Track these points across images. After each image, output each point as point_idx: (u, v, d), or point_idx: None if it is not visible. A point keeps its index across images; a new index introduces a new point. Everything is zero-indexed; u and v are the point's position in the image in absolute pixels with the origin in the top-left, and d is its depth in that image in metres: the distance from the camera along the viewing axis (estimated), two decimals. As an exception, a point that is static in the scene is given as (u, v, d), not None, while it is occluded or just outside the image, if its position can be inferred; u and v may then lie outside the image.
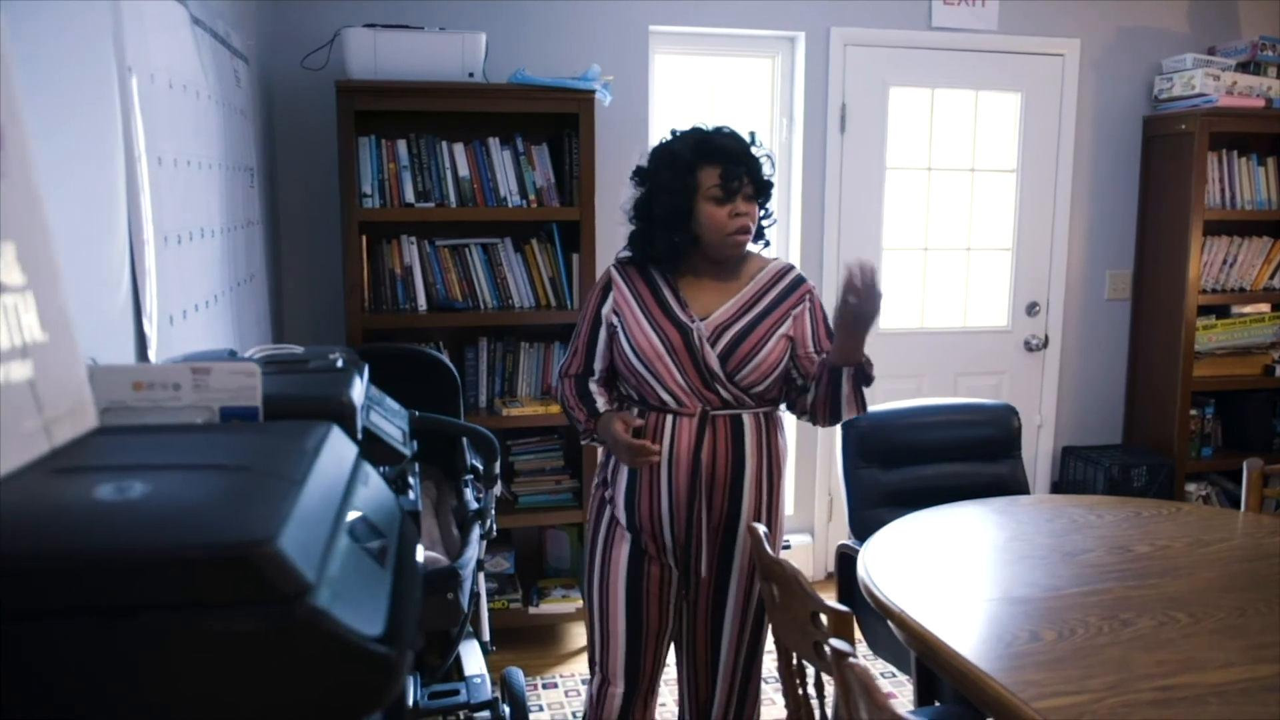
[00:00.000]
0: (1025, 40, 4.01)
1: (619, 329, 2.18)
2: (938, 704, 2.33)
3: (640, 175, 2.20)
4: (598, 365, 2.24)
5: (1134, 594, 1.90)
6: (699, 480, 2.14)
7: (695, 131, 2.16)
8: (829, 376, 2.14)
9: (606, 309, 2.21)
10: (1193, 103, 3.95)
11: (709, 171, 2.09)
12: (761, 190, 2.15)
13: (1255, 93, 3.94)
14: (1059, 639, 1.71)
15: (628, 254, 2.24)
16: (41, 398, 0.90)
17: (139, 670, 0.69)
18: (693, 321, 2.13)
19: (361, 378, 1.38)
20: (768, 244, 2.28)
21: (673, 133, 2.19)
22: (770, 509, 2.23)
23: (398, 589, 0.93)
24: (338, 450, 1.04)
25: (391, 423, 1.41)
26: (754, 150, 2.14)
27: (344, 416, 1.18)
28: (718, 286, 2.19)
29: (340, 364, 1.38)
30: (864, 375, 2.16)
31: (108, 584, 0.70)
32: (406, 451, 1.33)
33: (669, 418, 2.15)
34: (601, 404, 2.25)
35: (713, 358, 2.11)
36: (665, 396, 2.14)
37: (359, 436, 1.22)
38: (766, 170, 2.15)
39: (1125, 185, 4.22)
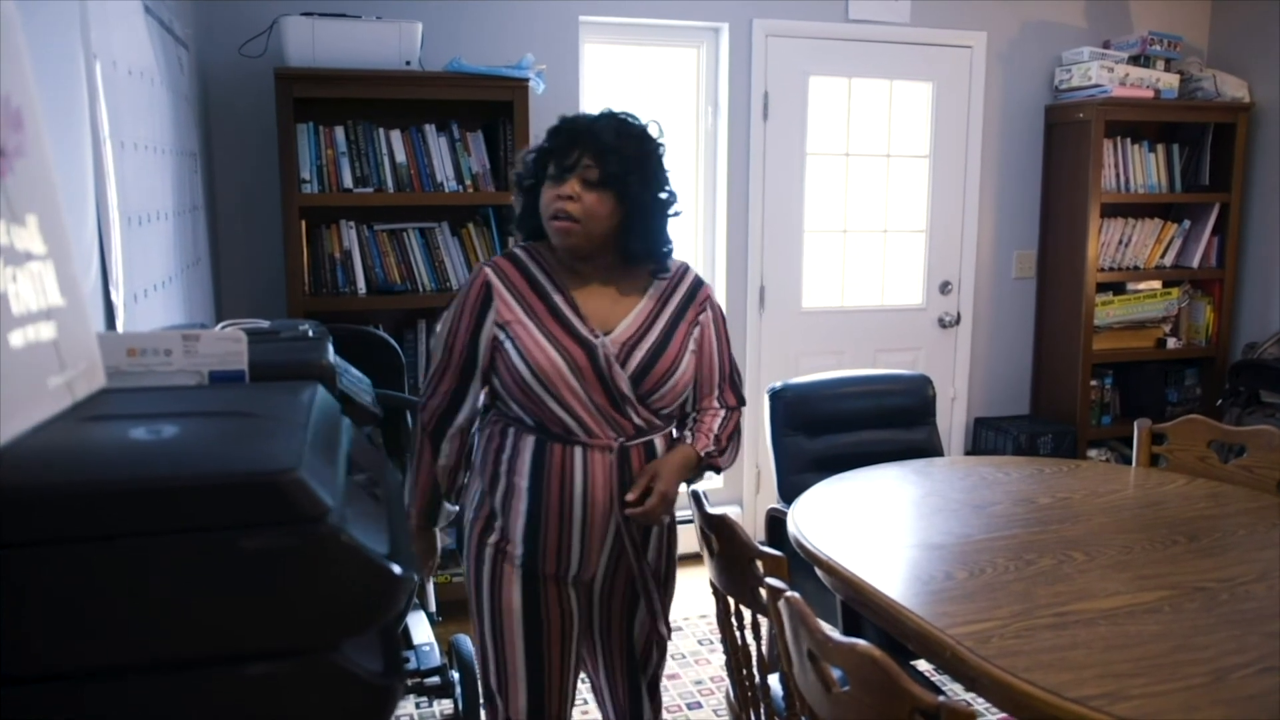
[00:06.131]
0: (936, 33, 4.23)
1: (506, 343, 1.89)
2: (862, 650, 2.50)
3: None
4: (467, 404, 1.97)
5: (1036, 538, 2.09)
6: (618, 522, 1.94)
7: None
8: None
9: (490, 321, 1.91)
10: (1089, 93, 4.21)
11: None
12: (614, 179, 1.84)
13: (1145, 84, 4.22)
14: (970, 577, 1.89)
15: (509, 250, 2.01)
16: (64, 356, 0.99)
17: (186, 585, 0.78)
18: (596, 337, 1.89)
19: (331, 346, 1.48)
20: (666, 254, 1.99)
21: None
22: (669, 535, 2.11)
23: (392, 520, 1.04)
24: (326, 404, 1.15)
25: (360, 387, 1.51)
26: (623, 135, 1.87)
27: (325, 378, 1.28)
28: (612, 293, 1.95)
29: (311, 334, 1.48)
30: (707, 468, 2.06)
31: (154, 510, 0.78)
32: (378, 411, 1.44)
33: (578, 451, 1.89)
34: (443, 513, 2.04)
35: (623, 380, 1.89)
36: (570, 423, 1.89)
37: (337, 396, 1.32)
38: (634, 162, 1.86)
39: (1029, 170, 4.48)
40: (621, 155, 1.83)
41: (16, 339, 0.88)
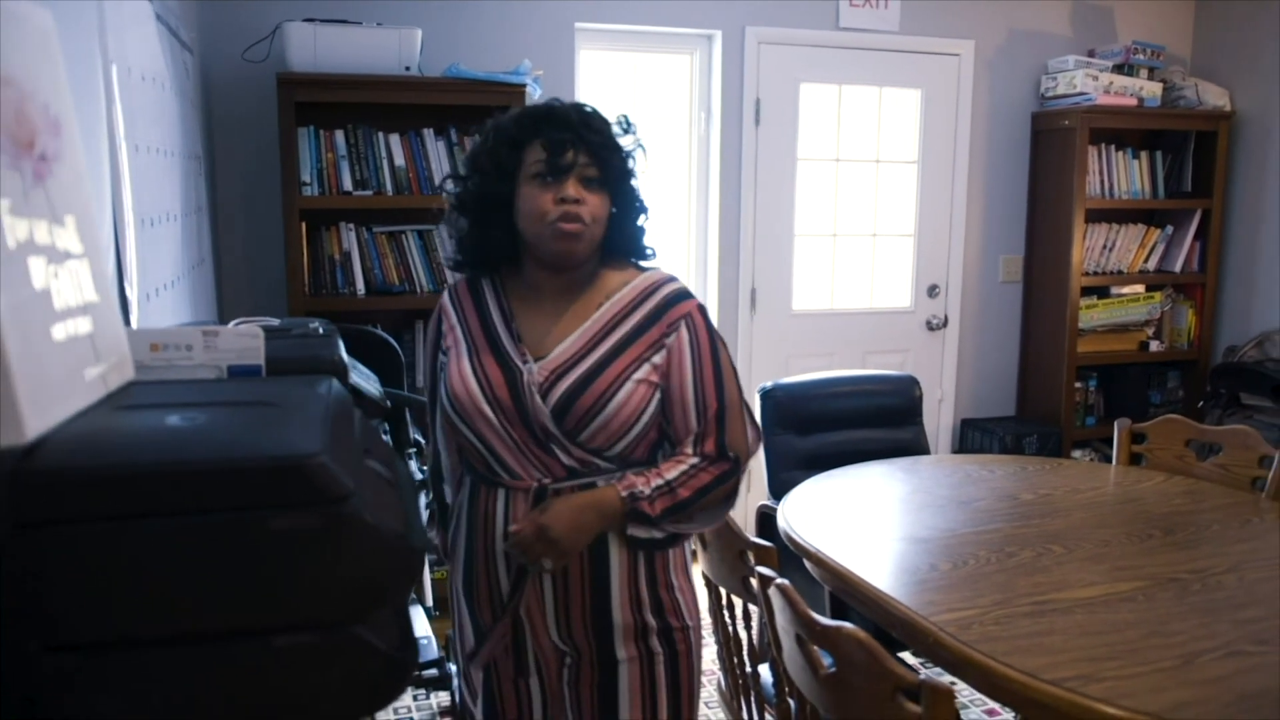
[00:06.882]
0: (924, 40, 4.31)
1: (442, 372, 1.68)
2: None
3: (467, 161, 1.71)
4: (443, 441, 1.75)
5: (1018, 532, 2.17)
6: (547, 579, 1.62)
7: (531, 106, 1.68)
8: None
9: (440, 348, 1.72)
10: (1074, 100, 4.29)
11: (535, 147, 1.58)
12: (615, 177, 1.61)
13: (1129, 92, 4.31)
14: (954, 569, 1.96)
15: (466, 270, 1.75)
16: (98, 349, 1.05)
17: (218, 562, 0.83)
18: (524, 362, 1.61)
19: (341, 343, 1.54)
20: (638, 260, 1.72)
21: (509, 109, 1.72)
22: (660, 608, 1.67)
23: (404, 502, 1.10)
24: (341, 396, 1.21)
25: (369, 382, 1.58)
26: (615, 133, 1.64)
27: (337, 372, 1.34)
28: (563, 311, 1.65)
29: (321, 331, 1.54)
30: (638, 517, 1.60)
31: (188, 491, 0.83)
32: (387, 404, 1.50)
33: (500, 494, 1.62)
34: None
35: (544, 413, 1.57)
36: (491, 461, 1.62)
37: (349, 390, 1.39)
38: (629, 158, 1.65)
39: (1016, 176, 4.56)
40: (617, 150, 1.62)
41: (59, 332, 0.94)
